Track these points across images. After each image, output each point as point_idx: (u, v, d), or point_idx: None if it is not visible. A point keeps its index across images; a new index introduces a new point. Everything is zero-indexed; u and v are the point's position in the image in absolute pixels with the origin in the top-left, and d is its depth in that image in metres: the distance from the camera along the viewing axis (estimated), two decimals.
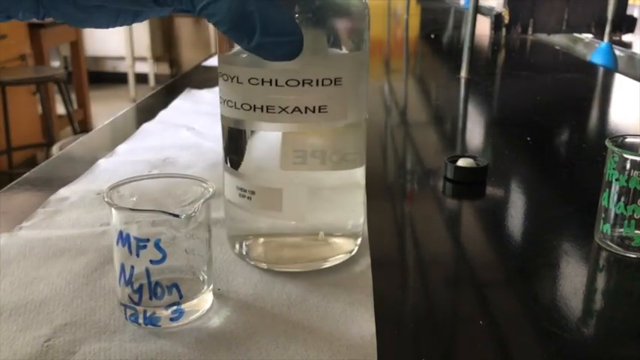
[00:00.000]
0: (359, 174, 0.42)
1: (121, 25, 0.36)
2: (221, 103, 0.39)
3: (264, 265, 0.41)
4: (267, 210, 0.39)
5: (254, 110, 0.37)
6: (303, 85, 0.36)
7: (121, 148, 0.67)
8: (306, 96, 0.36)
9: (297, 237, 0.41)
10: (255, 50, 0.32)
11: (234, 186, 0.40)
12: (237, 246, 0.42)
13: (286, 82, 0.36)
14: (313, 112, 0.37)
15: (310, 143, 0.38)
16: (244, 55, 0.37)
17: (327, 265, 0.41)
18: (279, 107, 0.36)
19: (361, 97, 0.39)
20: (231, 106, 0.38)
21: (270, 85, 0.36)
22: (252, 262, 0.41)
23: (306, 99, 0.36)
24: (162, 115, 0.81)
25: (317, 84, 0.36)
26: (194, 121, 0.78)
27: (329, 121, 0.37)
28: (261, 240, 0.42)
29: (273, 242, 0.42)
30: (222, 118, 0.40)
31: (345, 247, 0.42)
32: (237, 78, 0.37)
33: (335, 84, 0.37)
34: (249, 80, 0.36)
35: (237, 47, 0.37)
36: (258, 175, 0.39)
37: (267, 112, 0.36)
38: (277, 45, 0.32)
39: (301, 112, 0.37)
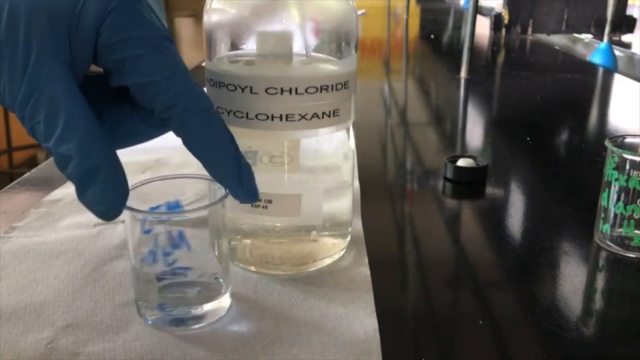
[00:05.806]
0: (348, 174, 0.43)
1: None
2: (224, 114, 0.38)
3: (252, 269, 0.41)
4: (284, 217, 0.39)
5: (271, 120, 0.37)
6: (320, 92, 0.37)
7: None
8: (322, 102, 0.37)
9: (286, 237, 0.41)
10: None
11: None
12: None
13: (306, 90, 0.36)
14: (329, 116, 0.38)
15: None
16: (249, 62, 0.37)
17: (317, 266, 0.41)
18: (299, 115, 0.37)
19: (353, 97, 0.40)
20: (241, 117, 0.37)
21: (290, 93, 0.36)
22: (242, 265, 0.41)
23: (322, 105, 0.37)
24: None
25: (332, 89, 0.37)
26: None
27: (341, 123, 0.39)
28: (248, 241, 0.42)
29: (261, 243, 0.41)
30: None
31: (336, 247, 0.42)
32: (251, 88, 0.36)
33: (345, 87, 0.38)
34: (266, 90, 0.36)
35: (224, 52, 0.38)
36: (275, 184, 0.39)
37: (287, 120, 0.37)
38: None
39: (319, 118, 0.37)
